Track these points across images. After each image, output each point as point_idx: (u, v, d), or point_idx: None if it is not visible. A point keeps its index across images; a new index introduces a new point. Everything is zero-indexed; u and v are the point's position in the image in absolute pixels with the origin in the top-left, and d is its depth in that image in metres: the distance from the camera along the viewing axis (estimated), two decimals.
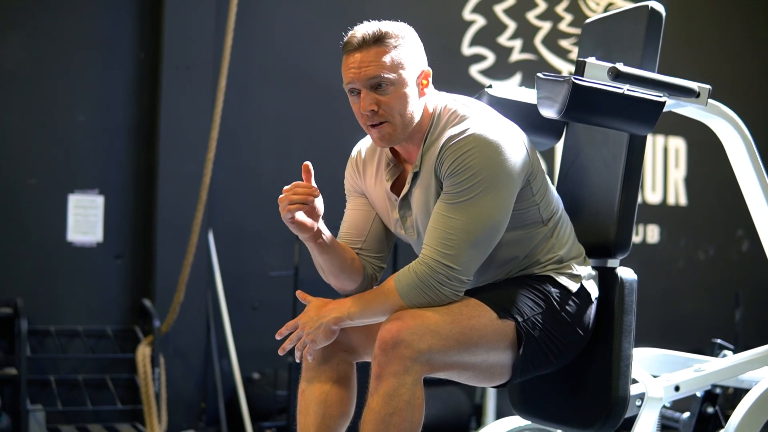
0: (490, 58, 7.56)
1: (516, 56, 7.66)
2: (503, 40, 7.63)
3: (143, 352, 6.12)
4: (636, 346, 3.88)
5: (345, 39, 2.92)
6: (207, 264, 6.51)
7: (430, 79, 2.98)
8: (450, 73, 7.29)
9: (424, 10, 7.33)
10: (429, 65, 2.99)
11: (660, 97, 2.90)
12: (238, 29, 6.33)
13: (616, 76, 2.81)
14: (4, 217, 6.27)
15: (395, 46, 2.88)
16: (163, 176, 6.43)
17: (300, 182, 2.92)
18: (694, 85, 3.01)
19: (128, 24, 6.55)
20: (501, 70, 7.54)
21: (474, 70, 7.49)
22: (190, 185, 6.29)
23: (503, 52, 7.63)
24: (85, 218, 6.40)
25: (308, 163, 2.94)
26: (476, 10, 7.52)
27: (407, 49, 2.91)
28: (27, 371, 5.89)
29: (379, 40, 2.87)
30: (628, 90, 2.85)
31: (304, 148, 6.89)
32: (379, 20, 2.94)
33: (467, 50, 7.50)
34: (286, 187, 2.90)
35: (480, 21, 7.54)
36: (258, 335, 6.51)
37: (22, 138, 6.31)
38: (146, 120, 6.55)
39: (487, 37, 7.57)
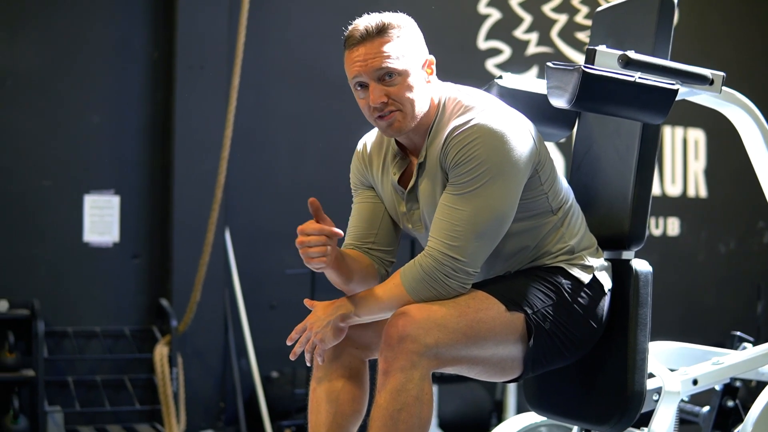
0: (506, 51, 7.52)
1: (532, 49, 7.62)
2: (519, 33, 7.59)
3: (161, 352, 6.10)
4: (657, 339, 3.85)
5: (346, 34, 2.90)
6: (224, 263, 6.49)
7: (434, 68, 2.95)
8: (466, 67, 7.25)
9: (439, 4, 7.29)
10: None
11: (672, 84, 2.85)
12: (252, 28, 6.30)
13: (627, 63, 2.76)
14: (21, 219, 6.26)
15: (398, 36, 2.86)
16: (179, 175, 6.41)
17: (309, 227, 2.84)
18: (707, 72, 2.95)
19: (141, 24, 6.53)
20: (517, 63, 7.48)
21: (490, 64, 7.45)
22: (206, 184, 6.26)
23: (519, 46, 7.58)
24: (101, 219, 6.38)
25: (314, 199, 2.87)
26: (491, 3, 7.48)
27: (410, 38, 2.88)
28: (45, 373, 5.88)
29: (381, 32, 2.84)
30: (639, 78, 2.80)
31: (320, 146, 6.87)
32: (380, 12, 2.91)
33: (483, 44, 7.46)
34: (300, 237, 2.83)
35: (495, 14, 7.49)
36: (276, 334, 6.41)
37: (36, 140, 6.30)
38: (161, 120, 6.53)
39: (502, 30, 7.53)
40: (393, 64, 2.83)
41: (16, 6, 6.26)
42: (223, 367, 6.52)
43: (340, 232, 2.85)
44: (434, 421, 6.27)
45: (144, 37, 6.53)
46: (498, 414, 6.75)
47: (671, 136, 8.10)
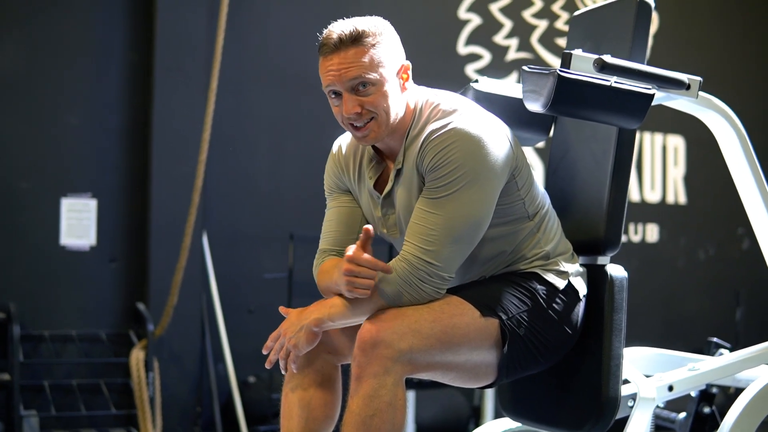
0: (486, 57, 7.51)
1: (512, 55, 7.61)
2: (499, 38, 7.58)
3: (137, 356, 6.07)
4: (636, 345, 3.85)
5: (320, 40, 2.85)
6: (201, 267, 6.46)
7: (410, 73, 2.92)
8: (446, 72, 7.24)
9: (419, 9, 7.28)
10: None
11: (649, 89, 2.84)
12: (231, 31, 6.28)
13: (602, 67, 2.75)
14: None
15: (373, 44, 2.81)
16: (157, 179, 6.38)
17: (362, 258, 2.73)
18: (683, 76, 2.94)
19: (120, 26, 6.49)
20: (497, 69, 7.48)
21: (470, 70, 7.44)
22: (184, 188, 6.23)
23: (499, 51, 7.57)
24: (79, 222, 6.34)
25: (369, 228, 2.77)
26: (472, 8, 7.47)
27: (386, 46, 2.85)
28: (20, 377, 5.84)
29: (356, 40, 2.80)
30: (615, 82, 2.78)
31: (299, 149, 6.85)
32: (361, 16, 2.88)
33: (463, 49, 7.45)
34: (350, 266, 2.73)
35: (476, 20, 7.48)
36: (253, 338, 6.39)
37: (14, 142, 6.26)
38: (139, 122, 6.50)
39: (482, 36, 7.52)
40: (367, 75, 2.80)
41: None
42: (200, 371, 6.49)
43: (391, 268, 2.78)
44: (412, 426, 6.25)
45: (122, 39, 6.49)
46: (476, 420, 6.74)
47: (651, 143, 8.10)
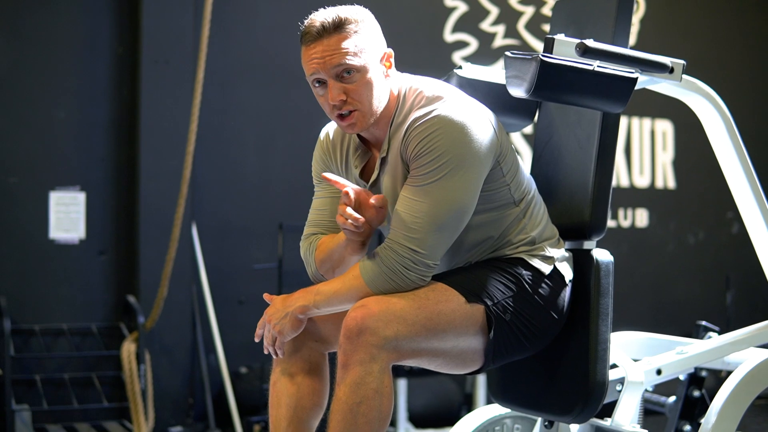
0: (473, 44, 7.51)
1: (499, 42, 7.61)
2: (486, 25, 7.58)
3: (128, 349, 6.07)
4: (626, 330, 3.84)
5: (302, 29, 2.85)
6: (191, 258, 6.46)
7: (393, 60, 2.92)
8: (433, 59, 7.23)
9: None
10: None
11: (632, 73, 2.83)
12: (218, 23, 6.27)
13: (584, 51, 2.74)
14: None
15: (356, 31, 2.82)
16: (145, 171, 6.38)
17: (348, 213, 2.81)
18: (666, 60, 2.93)
19: (106, 19, 6.49)
20: (484, 56, 7.47)
21: (457, 57, 7.43)
22: (172, 180, 6.23)
23: (486, 38, 7.57)
24: (67, 215, 6.34)
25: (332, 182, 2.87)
26: None
27: (368, 33, 2.85)
28: (12, 371, 5.85)
29: (339, 27, 2.80)
30: (598, 66, 2.78)
31: (286, 140, 6.85)
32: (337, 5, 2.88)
33: (450, 37, 7.45)
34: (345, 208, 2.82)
35: (462, 7, 7.48)
36: (244, 329, 6.39)
37: (1, 136, 6.25)
38: (127, 115, 6.50)
39: (469, 23, 7.52)
40: (351, 60, 2.79)
41: None
42: (192, 363, 6.50)
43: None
44: (404, 414, 6.26)
45: (109, 32, 6.49)
46: (468, 406, 6.75)
47: (639, 128, 8.10)
